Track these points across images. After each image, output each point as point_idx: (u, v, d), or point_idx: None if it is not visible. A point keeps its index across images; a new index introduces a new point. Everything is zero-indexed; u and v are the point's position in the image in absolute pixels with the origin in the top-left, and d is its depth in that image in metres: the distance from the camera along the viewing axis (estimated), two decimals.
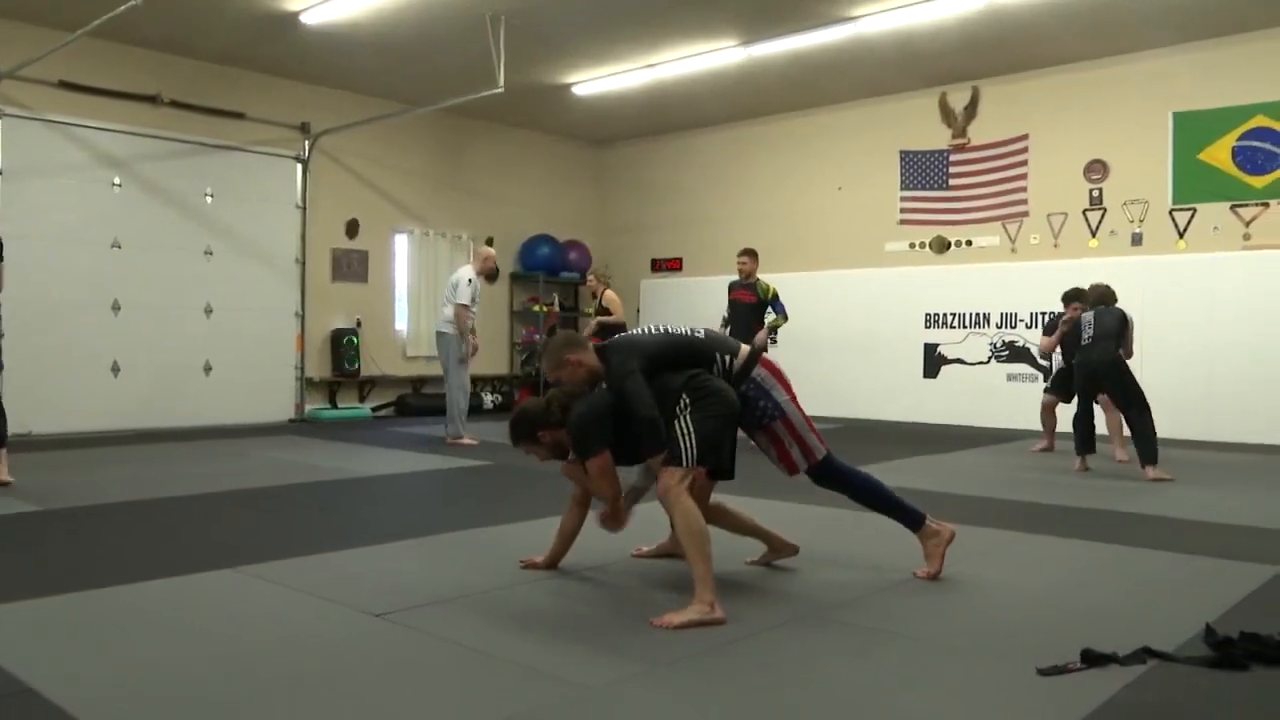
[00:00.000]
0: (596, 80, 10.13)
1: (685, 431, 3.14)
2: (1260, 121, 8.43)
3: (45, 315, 8.42)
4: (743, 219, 11.73)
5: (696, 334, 3.49)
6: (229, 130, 9.64)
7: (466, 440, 7.93)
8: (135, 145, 9.01)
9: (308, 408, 10.16)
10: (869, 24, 8.26)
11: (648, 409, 3.14)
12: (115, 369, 8.88)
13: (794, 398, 3.49)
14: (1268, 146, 8.40)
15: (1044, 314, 9.37)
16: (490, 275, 8.48)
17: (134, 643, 2.76)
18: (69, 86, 8.59)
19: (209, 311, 9.51)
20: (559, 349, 3.43)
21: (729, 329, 7.89)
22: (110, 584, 3.36)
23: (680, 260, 12.42)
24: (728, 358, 3.42)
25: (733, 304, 8.13)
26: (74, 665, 2.56)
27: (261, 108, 9.86)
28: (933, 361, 10.13)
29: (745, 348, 3.50)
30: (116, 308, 8.90)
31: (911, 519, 3.51)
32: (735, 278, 8.23)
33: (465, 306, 7.93)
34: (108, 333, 8.85)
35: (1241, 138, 8.51)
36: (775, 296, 8.03)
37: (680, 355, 3.36)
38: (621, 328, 7.47)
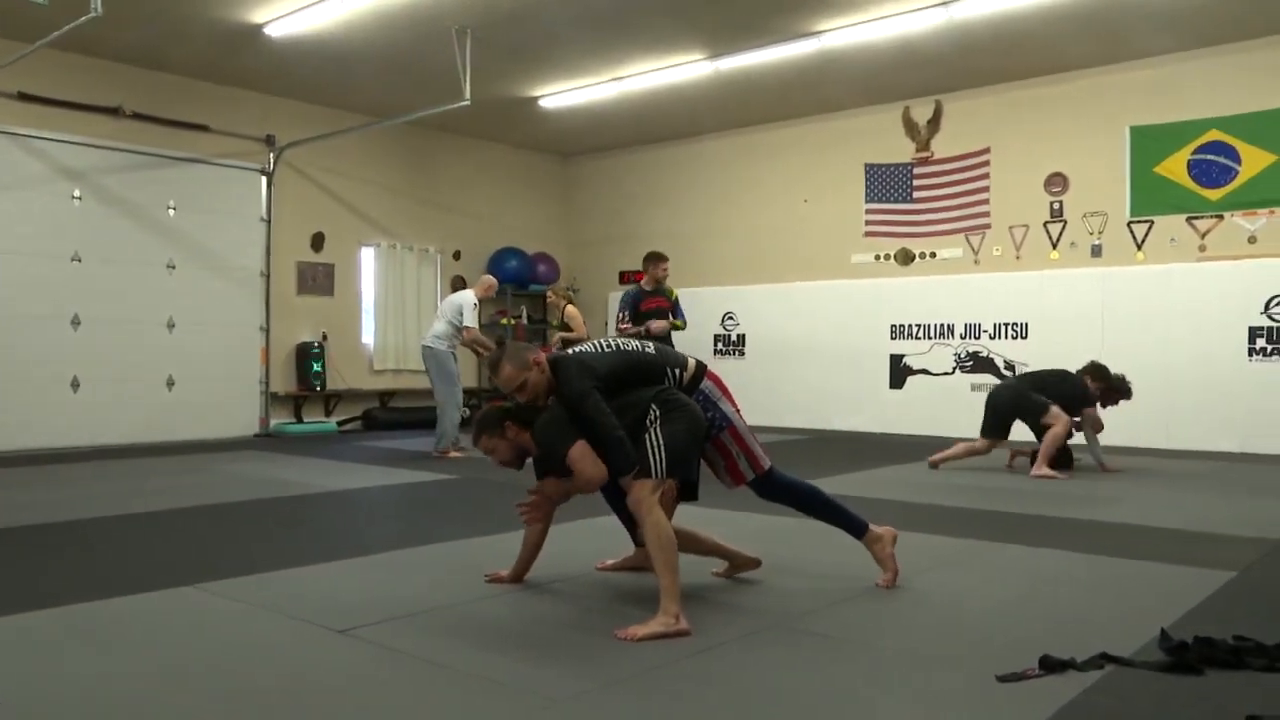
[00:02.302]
0: (563, 93, 10.15)
1: (655, 444, 3.15)
2: (1214, 136, 8.61)
3: (3, 329, 8.30)
4: (710, 231, 11.80)
5: (646, 349, 3.49)
6: (192, 143, 9.57)
7: (454, 453, 7.96)
8: (96, 158, 8.92)
9: (272, 422, 10.07)
10: (833, 39, 8.35)
11: (613, 428, 3.15)
12: (75, 384, 8.76)
13: (738, 410, 3.53)
14: (1221, 160, 8.58)
15: (1007, 324, 9.51)
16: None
17: (91, 662, 2.72)
18: (28, 98, 8.49)
19: (171, 325, 9.41)
20: (523, 350, 3.37)
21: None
22: (67, 602, 3.31)
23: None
24: (678, 370, 3.44)
25: (649, 314, 7.74)
26: (28, 685, 2.52)
27: (225, 120, 9.79)
28: (898, 372, 10.22)
29: (693, 360, 3.53)
30: (76, 322, 8.78)
31: (855, 527, 3.54)
32: (637, 287, 7.91)
33: (471, 329, 8.21)
34: (67, 347, 8.73)
35: (1196, 151, 8.69)
36: (677, 300, 7.90)
37: (633, 372, 3.36)
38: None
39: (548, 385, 3.33)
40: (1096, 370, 7.04)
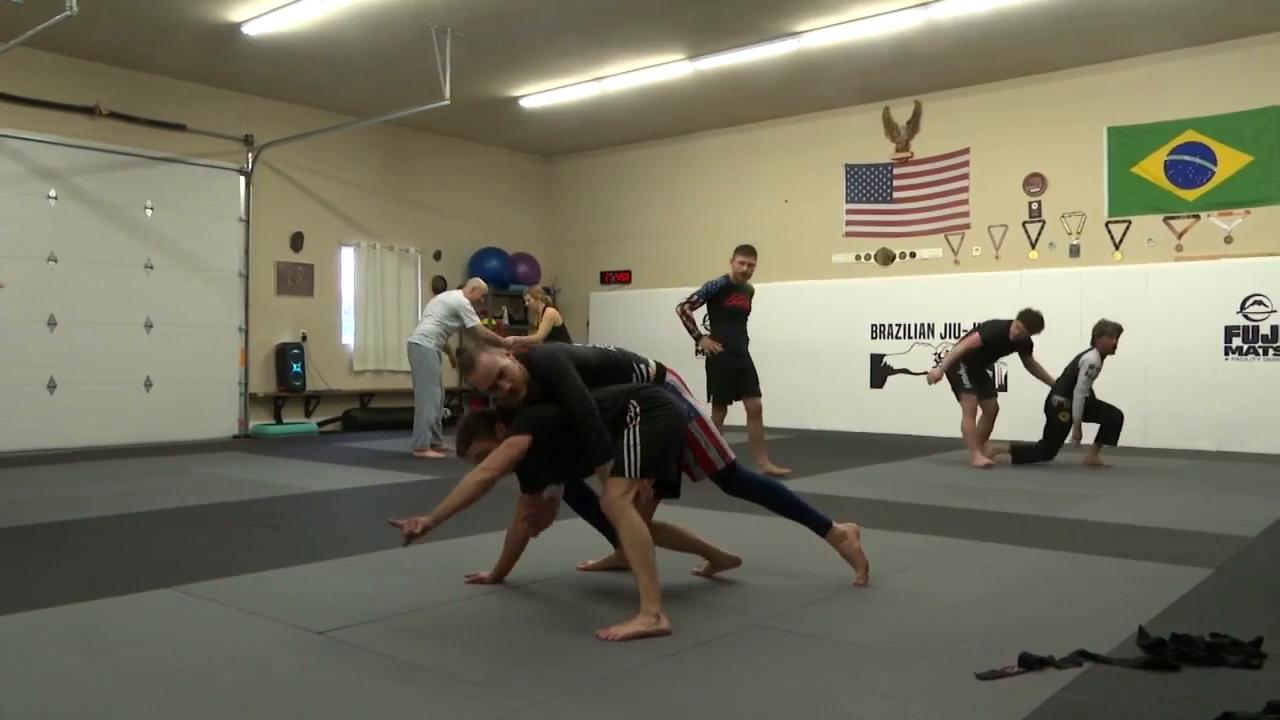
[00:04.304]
0: (544, 93, 10.13)
1: (632, 443, 3.14)
2: (1190, 136, 8.69)
3: None
4: (691, 231, 11.81)
5: (610, 348, 3.60)
6: (170, 142, 9.50)
7: (432, 453, 7.95)
8: (73, 157, 8.83)
9: (252, 424, 10.01)
10: (813, 39, 8.37)
11: (595, 417, 3.14)
12: (52, 385, 8.67)
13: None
14: (1197, 160, 8.66)
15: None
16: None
17: (68, 666, 2.69)
18: (2, 97, 8.41)
19: (149, 326, 9.33)
20: (490, 344, 3.44)
21: (726, 338, 6.78)
22: (44, 605, 3.28)
23: (629, 273, 12.46)
24: (643, 366, 3.54)
25: (731, 312, 6.85)
26: (3, 690, 2.49)
27: (203, 119, 9.72)
28: (879, 372, 10.26)
29: (653, 360, 3.61)
30: (53, 323, 8.70)
31: (818, 524, 3.57)
32: (725, 279, 6.92)
33: (480, 327, 8.28)
34: (44, 348, 8.65)
35: (1173, 152, 8.77)
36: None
37: (605, 366, 3.40)
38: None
39: (524, 374, 3.32)
40: (1023, 315, 7.33)
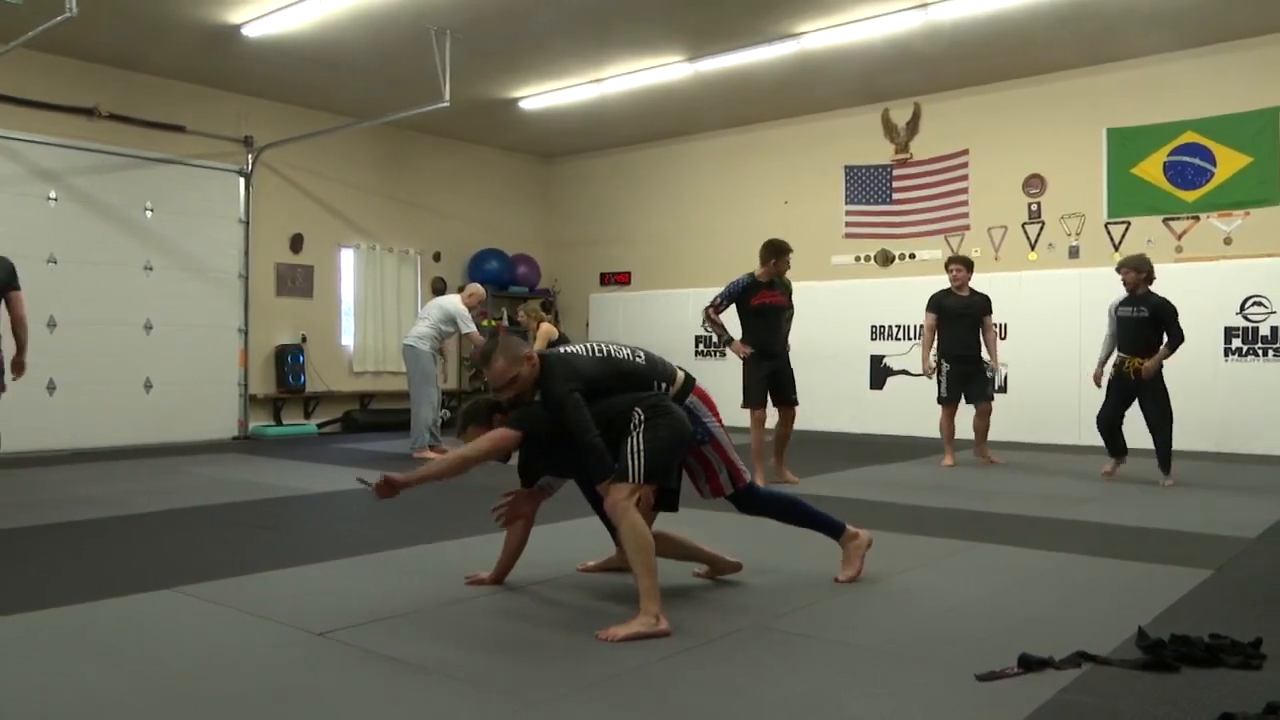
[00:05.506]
0: (543, 95, 10.14)
1: (636, 449, 3.13)
2: (1190, 137, 8.69)
3: None
4: (690, 232, 11.81)
5: (636, 357, 3.44)
6: (169, 143, 9.49)
7: (430, 454, 7.96)
8: (72, 158, 8.83)
9: (252, 425, 10.01)
10: (812, 41, 8.37)
11: (589, 433, 3.13)
12: (51, 387, 8.67)
13: (721, 424, 3.54)
14: (1197, 162, 8.66)
15: None
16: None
17: (68, 667, 2.69)
18: (2, 99, 8.40)
19: (149, 327, 9.33)
20: (516, 345, 3.35)
21: (757, 339, 6.49)
22: (44, 607, 3.28)
23: (629, 274, 12.46)
24: (664, 384, 3.42)
25: (760, 310, 6.46)
26: (3, 690, 2.49)
27: (203, 121, 9.72)
28: (879, 373, 10.25)
29: (681, 373, 3.51)
30: (52, 325, 8.69)
31: (833, 528, 3.60)
32: (750, 277, 6.54)
33: (474, 333, 8.31)
34: (43, 350, 8.58)
35: (1172, 153, 8.77)
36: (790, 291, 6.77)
37: (619, 380, 3.34)
38: None
39: (534, 378, 3.32)
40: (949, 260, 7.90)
